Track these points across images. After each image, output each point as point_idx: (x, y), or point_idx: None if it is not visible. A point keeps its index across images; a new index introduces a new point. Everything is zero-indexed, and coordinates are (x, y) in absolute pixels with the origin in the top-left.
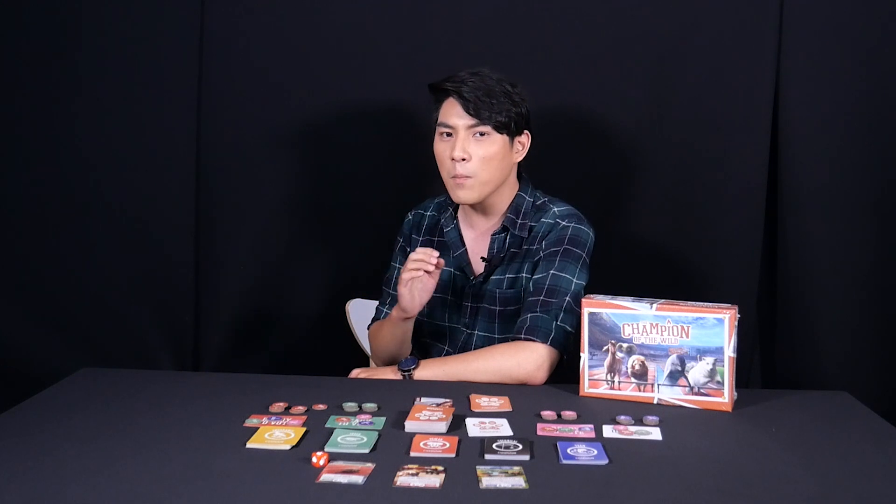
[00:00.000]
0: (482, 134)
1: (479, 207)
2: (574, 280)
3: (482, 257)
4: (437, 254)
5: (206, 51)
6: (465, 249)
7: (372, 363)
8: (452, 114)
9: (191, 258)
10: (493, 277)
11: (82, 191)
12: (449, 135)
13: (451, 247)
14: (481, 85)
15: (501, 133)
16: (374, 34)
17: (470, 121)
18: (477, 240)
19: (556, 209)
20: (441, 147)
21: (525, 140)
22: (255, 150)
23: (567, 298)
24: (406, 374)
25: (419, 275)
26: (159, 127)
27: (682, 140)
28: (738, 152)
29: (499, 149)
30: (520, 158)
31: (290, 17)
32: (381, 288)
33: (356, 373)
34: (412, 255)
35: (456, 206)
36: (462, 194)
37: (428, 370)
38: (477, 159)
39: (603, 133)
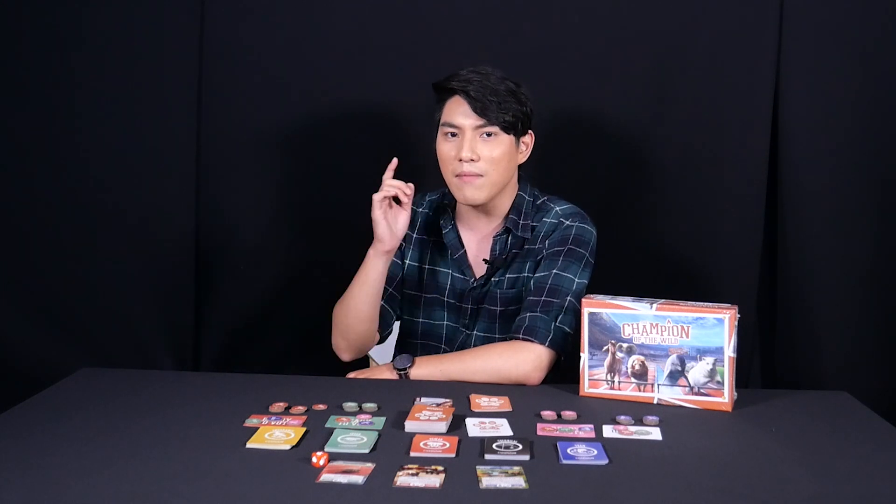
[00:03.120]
0: (489, 134)
1: (481, 209)
2: (576, 279)
3: (484, 259)
4: (412, 187)
5: (206, 51)
6: (465, 252)
7: (372, 363)
8: (458, 113)
9: (191, 258)
10: (493, 279)
11: (82, 191)
12: (454, 135)
13: (450, 249)
14: (487, 84)
15: (509, 133)
16: (374, 34)
17: (478, 121)
18: (477, 242)
19: (558, 208)
20: (446, 147)
21: (529, 140)
22: (255, 150)
23: (568, 298)
24: (402, 372)
25: (392, 193)
26: (159, 127)
27: (682, 140)
28: (738, 152)
29: (506, 149)
30: (524, 159)
31: (290, 17)
32: None
33: (352, 376)
34: (388, 180)
35: (454, 208)
36: (469, 193)
37: (424, 368)
38: (486, 160)
39: (603, 133)
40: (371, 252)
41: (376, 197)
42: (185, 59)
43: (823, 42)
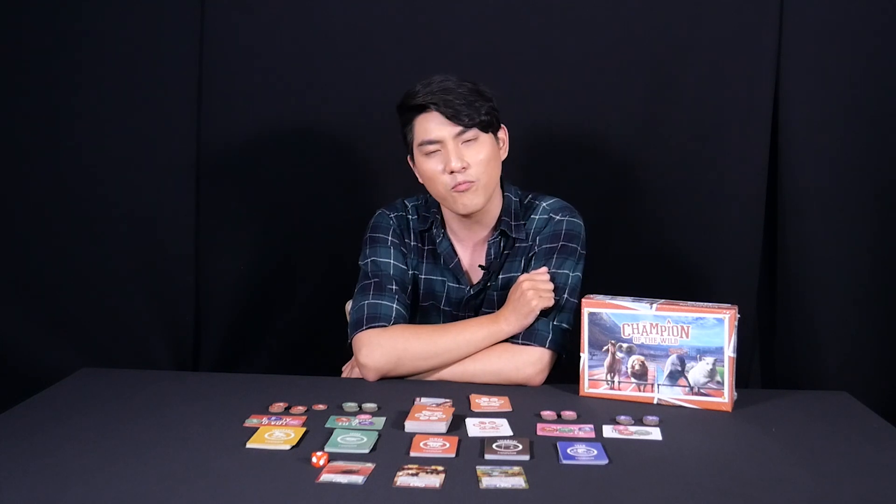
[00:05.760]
0: (469, 140)
1: (473, 218)
2: (571, 274)
3: (480, 265)
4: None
5: (206, 51)
6: (459, 260)
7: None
8: (433, 127)
9: (191, 258)
10: (489, 284)
11: (82, 191)
12: (435, 151)
13: (444, 258)
14: (450, 90)
15: (487, 132)
16: (374, 34)
17: (455, 128)
18: (471, 249)
19: (544, 204)
20: (430, 164)
21: (504, 135)
22: (255, 150)
23: (565, 296)
24: None
25: (552, 303)
26: (159, 127)
27: (681, 141)
28: (738, 153)
29: (490, 149)
30: (505, 154)
31: (290, 17)
32: (386, 286)
33: (349, 369)
34: (545, 285)
35: (442, 216)
36: (468, 201)
37: None
38: (476, 164)
39: (603, 134)
40: (505, 328)
41: (544, 305)
42: (185, 59)
43: (823, 42)
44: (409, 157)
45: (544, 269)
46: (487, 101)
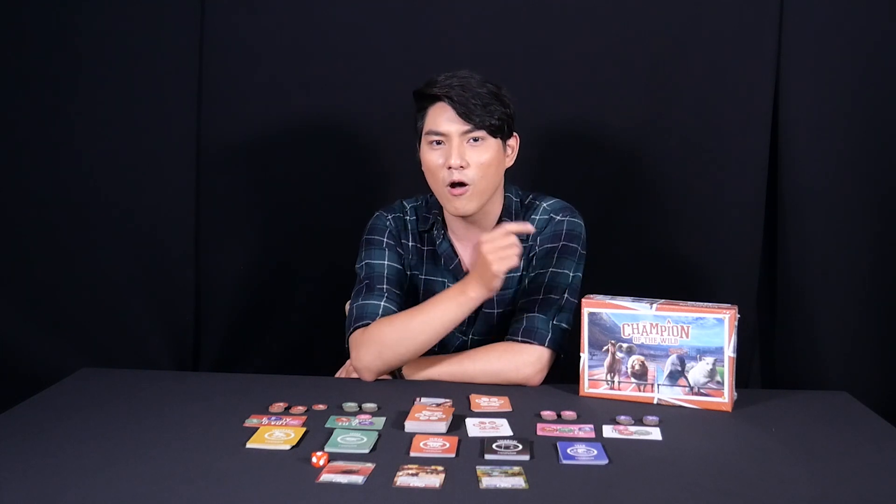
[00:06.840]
0: (476, 139)
1: (472, 219)
2: (571, 273)
3: None
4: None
5: (206, 51)
6: (459, 261)
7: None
8: (443, 120)
9: (191, 258)
10: None
11: (82, 191)
12: (439, 143)
13: (444, 259)
14: (470, 87)
15: (496, 137)
16: (374, 34)
17: (464, 126)
18: (471, 250)
19: (545, 204)
20: (432, 156)
21: (514, 143)
22: (255, 150)
23: (566, 296)
24: (396, 372)
25: (516, 263)
26: (159, 127)
27: (682, 140)
28: (738, 152)
29: (495, 153)
30: (511, 163)
31: (290, 17)
32: (376, 287)
33: (343, 373)
34: (503, 242)
35: (443, 217)
36: (461, 205)
37: (420, 370)
38: (475, 166)
39: (603, 133)
40: (473, 296)
41: (507, 267)
42: (186, 59)
43: (823, 42)
44: (417, 144)
45: (512, 225)
46: (504, 107)
